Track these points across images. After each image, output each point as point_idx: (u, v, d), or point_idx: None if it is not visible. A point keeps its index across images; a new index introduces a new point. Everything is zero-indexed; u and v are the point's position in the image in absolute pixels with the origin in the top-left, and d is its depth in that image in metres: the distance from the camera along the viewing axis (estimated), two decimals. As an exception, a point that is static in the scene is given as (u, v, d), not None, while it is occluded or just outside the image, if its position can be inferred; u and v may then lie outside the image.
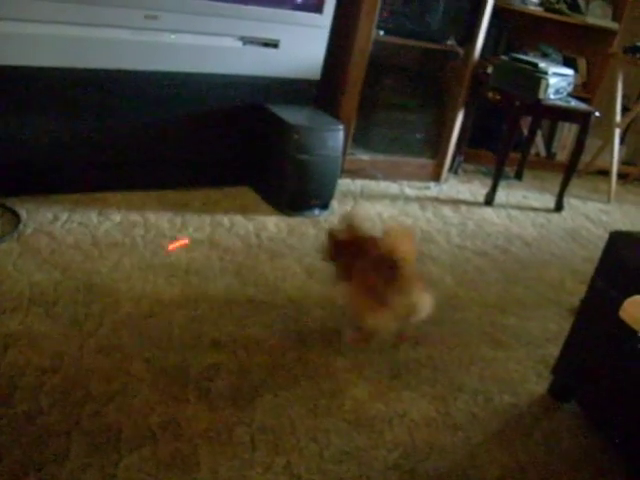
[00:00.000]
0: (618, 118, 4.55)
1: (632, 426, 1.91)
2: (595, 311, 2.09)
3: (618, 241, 2.03)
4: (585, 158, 4.52)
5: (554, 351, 2.34)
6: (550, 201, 4.23)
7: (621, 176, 4.90)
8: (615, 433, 2.03)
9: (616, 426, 2.01)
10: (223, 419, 1.85)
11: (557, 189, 4.17)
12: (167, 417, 1.81)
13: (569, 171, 4.10)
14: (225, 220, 3.04)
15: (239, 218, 3.08)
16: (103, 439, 1.69)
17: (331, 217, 3.29)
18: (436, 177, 4.16)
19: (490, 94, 3.99)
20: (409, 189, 3.96)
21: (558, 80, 3.84)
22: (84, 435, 1.69)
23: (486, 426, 2.06)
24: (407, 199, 3.80)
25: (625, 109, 4.69)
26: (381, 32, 3.61)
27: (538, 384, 2.32)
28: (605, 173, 4.76)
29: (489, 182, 4.08)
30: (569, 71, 4.00)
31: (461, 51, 3.93)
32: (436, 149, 4.13)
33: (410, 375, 2.22)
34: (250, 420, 1.86)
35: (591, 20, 4.57)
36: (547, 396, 2.26)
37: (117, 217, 2.86)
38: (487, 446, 1.98)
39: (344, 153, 3.45)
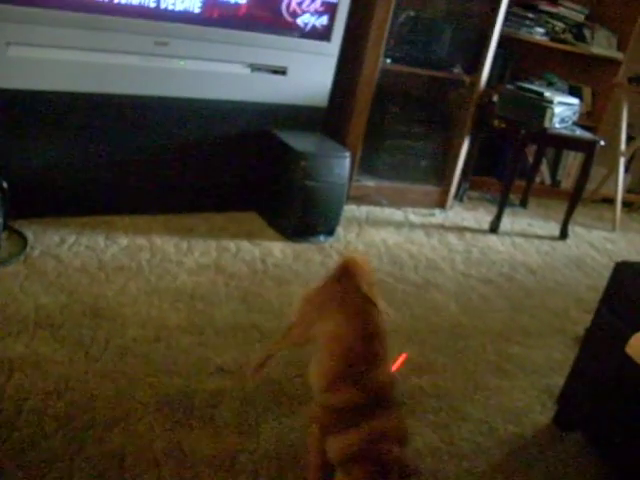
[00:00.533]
0: (623, 147, 4.56)
1: (636, 457, 1.90)
2: (600, 342, 2.09)
3: (624, 272, 2.03)
4: (590, 186, 4.53)
5: (559, 381, 2.34)
6: (555, 229, 4.23)
7: (626, 204, 4.90)
8: (620, 463, 2.02)
9: (621, 456, 2.00)
10: (226, 446, 1.84)
11: (562, 217, 4.17)
12: (171, 443, 1.81)
13: (574, 199, 4.11)
14: (231, 245, 3.05)
15: (245, 243, 3.10)
16: (107, 465, 1.69)
17: (336, 244, 3.30)
18: (441, 204, 4.17)
19: (496, 122, 4.01)
20: (414, 216, 3.97)
21: (563, 109, 3.86)
22: (88, 460, 1.69)
23: (490, 456, 2.05)
24: (412, 226, 3.81)
25: (630, 138, 4.70)
26: (388, 60, 3.64)
27: (542, 414, 2.31)
28: (610, 201, 4.76)
29: (494, 209, 4.09)
30: (574, 100, 4.03)
31: (467, 79, 3.96)
32: (441, 176, 4.15)
33: (414, 403, 2.21)
34: (253, 447, 1.86)
35: (596, 50, 4.60)
36: (552, 426, 2.25)
37: (124, 241, 2.88)
38: (491, 476, 1.97)
39: (350, 179, 3.47)
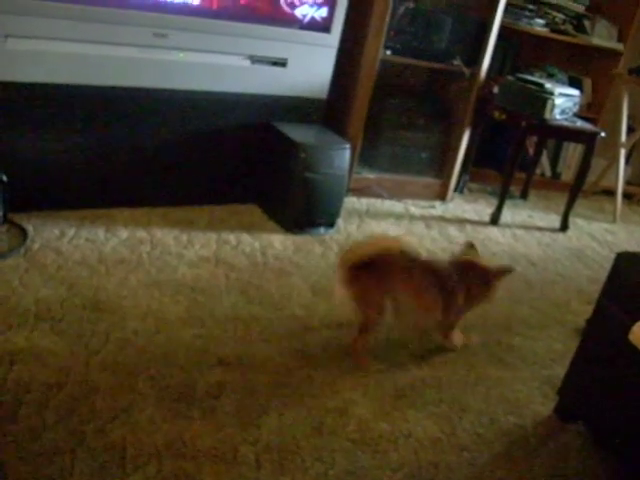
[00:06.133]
0: (623, 138, 4.55)
1: (638, 447, 1.90)
2: (601, 332, 2.08)
3: (625, 262, 2.02)
4: (590, 178, 4.52)
5: (560, 372, 2.33)
6: (555, 221, 4.22)
7: (626, 196, 4.90)
8: (621, 454, 2.01)
9: (622, 447, 2.00)
10: (228, 438, 1.84)
11: (562, 209, 4.16)
12: (172, 435, 1.81)
13: (574, 191, 4.11)
14: (231, 238, 3.04)
15: (245, 236, 3.09)
16: (108, 457, 1.69)
17: (336, 236, 3.30)
18: (442, 196, 4.16)
19: (496, 114, 4.00)
20: (414, 208, 3.96)
21: (564, 100, 3.85)
22: (89, 452, 1.69)
23: (491, 447, 2.05)
24: (412, 218, 3.80)
25: (630, 129, 4.70)
26: (388, 52, 3.63)
27: (544, 405, 2.31)
28: (610, 193, 4.76)
29: (494, 201, 4.09)
30: (575, 91, 4.02)
31: (467, 71, 3.94)
32: (442, 168, 4.14)
33: (415, 395, 2.21)
34: (255, 439, 1.86)
35: (596, 41, 4.59)
36: (553, 417, 2.25)
37: (124, 234, 2.87)
38: (492, 467, 1.97)
39: (350, 172, 3.46)
